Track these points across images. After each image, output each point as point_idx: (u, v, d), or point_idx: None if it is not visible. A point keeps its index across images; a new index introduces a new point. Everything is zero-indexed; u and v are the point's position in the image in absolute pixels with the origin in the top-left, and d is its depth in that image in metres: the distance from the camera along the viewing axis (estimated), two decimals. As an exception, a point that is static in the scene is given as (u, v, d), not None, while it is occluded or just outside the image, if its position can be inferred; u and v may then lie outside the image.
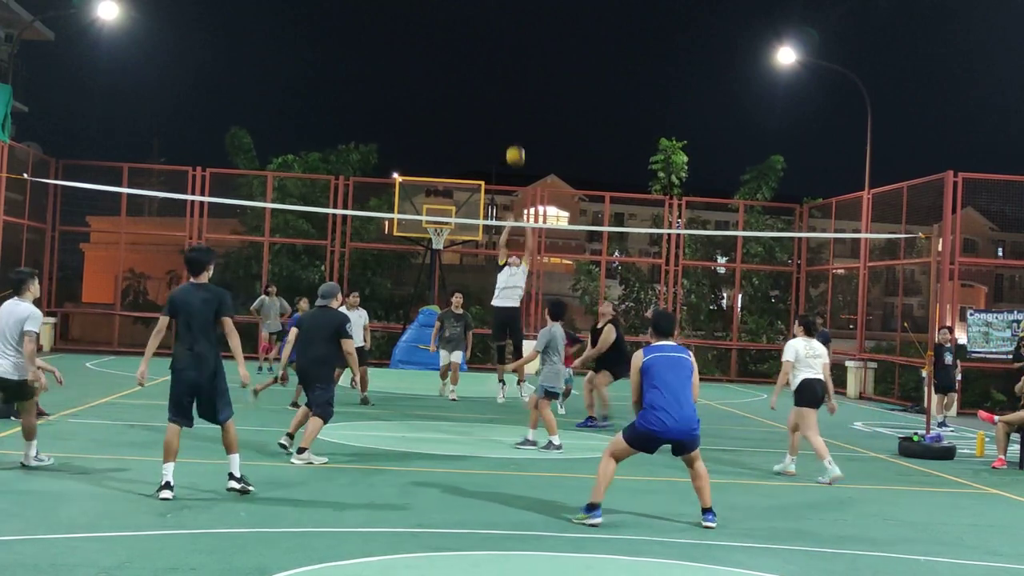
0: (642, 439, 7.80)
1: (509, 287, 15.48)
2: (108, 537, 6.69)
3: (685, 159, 29.10)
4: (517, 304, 15.86)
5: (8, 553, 6.19)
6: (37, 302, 9.28)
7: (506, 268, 15.58)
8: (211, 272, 8.27)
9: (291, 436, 10.44)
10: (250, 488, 8.14)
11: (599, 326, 14.69)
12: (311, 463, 9.77)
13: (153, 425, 12.33)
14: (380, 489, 8.80)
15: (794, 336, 10.95)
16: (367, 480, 9.22)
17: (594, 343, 14.60)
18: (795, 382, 10.62)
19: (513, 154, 10.27)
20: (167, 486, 7.79)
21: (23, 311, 8.95)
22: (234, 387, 8.19)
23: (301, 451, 9.84)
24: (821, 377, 10.61)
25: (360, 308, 16.09)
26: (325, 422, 9.99)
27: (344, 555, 6.45)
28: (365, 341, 15.97)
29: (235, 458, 8.17)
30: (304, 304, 16.30)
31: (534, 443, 11.57)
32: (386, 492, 8.69)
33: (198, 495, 8.04)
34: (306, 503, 8.02)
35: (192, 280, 8.15)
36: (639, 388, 7.83)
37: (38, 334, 9.00)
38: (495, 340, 15.46)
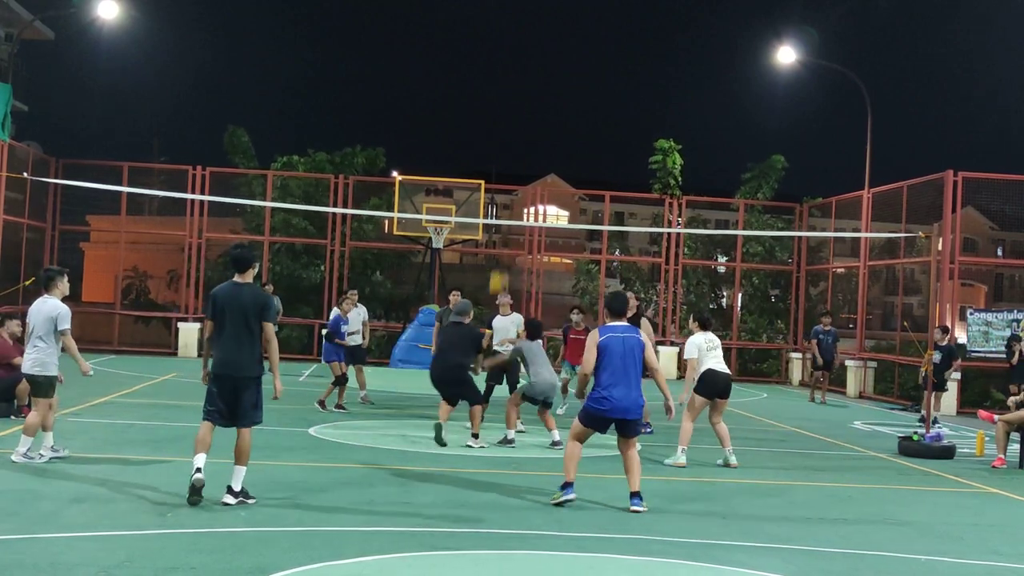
0: (594, 420, 8.44)
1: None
2: (108, 536, 6.68)
3: (680, 161, 29.12)
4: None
5: (8, 552, 6.19)
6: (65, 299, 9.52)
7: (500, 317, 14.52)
8: (256, 270, 8.14)
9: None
10: (250, 501, 7.76)
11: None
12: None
13: (153, 425, 12.34)
14: (380, 489, 8.80)
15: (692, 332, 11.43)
16: (367, 480, 9.22)
17: None
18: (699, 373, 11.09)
19: (496, 282, 10.83)
20: (198, 471, 7.58)
21: (52, 308, 9.44)
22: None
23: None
24: (723, 369, 11.15)
25: (360, 305, 16.11)
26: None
27: (344, 555, 6.44)
28: (364, 339, 16.07)
29: (241, 471, 7.76)
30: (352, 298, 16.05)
31: (512, 441, 11.83)
32: (386, 492, 8.69)
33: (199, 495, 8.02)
34: (306, 503, 8.01)
35: (237, 279, 7.91)
36: (592, 363, 8.38)
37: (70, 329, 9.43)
38: (492, 380, 14.57)
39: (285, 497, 8.15)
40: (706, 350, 11.07)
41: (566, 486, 8.39)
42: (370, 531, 7.21)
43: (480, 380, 12.61)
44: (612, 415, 8.33)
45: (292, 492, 8.36)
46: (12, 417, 11.92)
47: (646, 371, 8.64)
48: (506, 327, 13.84)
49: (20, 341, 12.81)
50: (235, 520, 7.24)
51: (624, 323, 8.61)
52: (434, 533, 7.23)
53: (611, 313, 8.66)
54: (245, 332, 7.74)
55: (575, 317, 16.54)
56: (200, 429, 7.83)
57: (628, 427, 8.42)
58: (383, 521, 7.55)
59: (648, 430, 13.41)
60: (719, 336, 12.38)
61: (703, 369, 11.02)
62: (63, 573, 5.79)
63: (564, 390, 16.46)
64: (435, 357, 12.20)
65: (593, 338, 8.45)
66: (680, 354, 26.21)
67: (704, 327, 11.26)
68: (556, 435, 11.62)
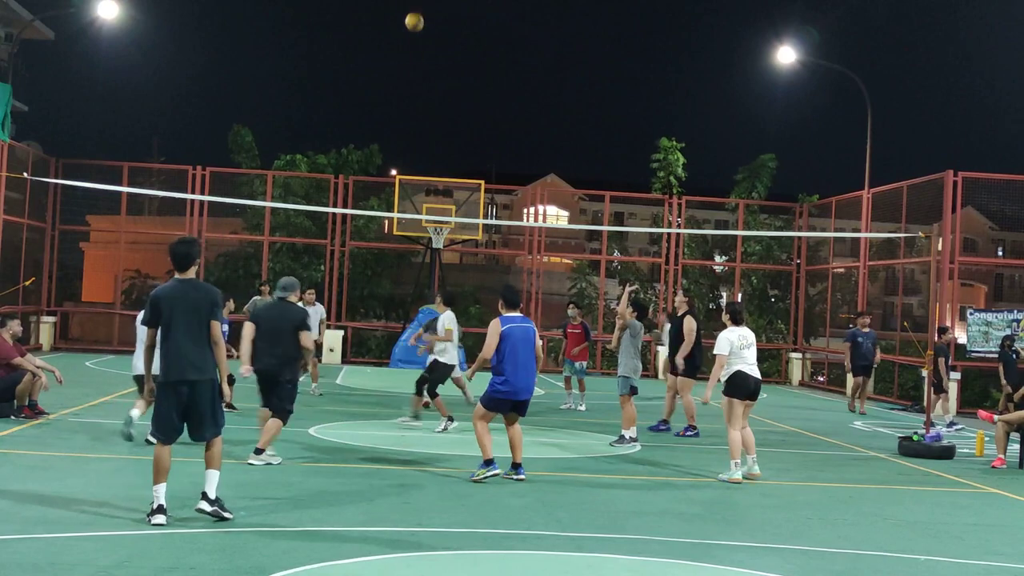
0: (496, 403, 9.33)
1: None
2: (108, 536, 6.68)
3: (683, 161, 29.16)
4: None
5: (8, 552, 6.19)
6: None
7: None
8: (198, 267, 7.52)
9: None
10: (227, 515, 7.25)
11: (679, 314, 13.96)
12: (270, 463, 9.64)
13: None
14: (380, 489, 8.80)
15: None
16: (367, 480, 9.22)
17: (676, 335, 13.86)
18: (728, 373, 10.30)
19: (412, 19, 10.03)
20: (160, 510, 7.07)
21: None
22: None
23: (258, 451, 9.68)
24: (755, 373, 10.32)
25: (317, 304, 16.37)
26: (285, 423, 9.78)
27: (344, 555, 6.44)
28: (320, 334, 16.51)
29: (214, 475, 7.31)
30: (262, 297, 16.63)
31: (634, 439, 12.20)
32: (386, 492, 8.68)
33: (198, 495, 8.01)
34: (306, 503, 8.01)
35: (178, 276, 7.33)
36: (493, 349, 9.25)
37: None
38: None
39: (285, 497, 8.14)
40: (738, 348, 10.25)
41: (488, 463, 9.30)
42: (370, 531, 7.21)
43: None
44: (515, 399, 9.31)
45: (292, 492, 8.35)
46: (12, 417, 11.91)
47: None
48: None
49: (21, 341, 12.81)
50: (235, 520, 7.24)
51: (520, 314, 9.56)
52: (434, 533, 7.23)
53: (507, 304, 9.52)
54: (199, 332, 7.13)
55: (571, 312, 16.73)
56: (159, 453, 7.16)
57: (523, 408, 9.47)
58: (383, 521, 7.55)
59: (692, 432, 13.54)
60: (718, 335, 12.41)
61: (733, 369, 10.23)
62: (63, 573, 5.79)
63: (568, 385, 16.52)
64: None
65: (496, 327, 9.30)
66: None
67: (736, 321, 10.45)
68: (628, 433, 12.28)
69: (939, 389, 17.13)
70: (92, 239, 32.18)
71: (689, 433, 13.43)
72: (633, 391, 12.32)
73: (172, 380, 7.11)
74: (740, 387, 10.21)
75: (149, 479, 8.40)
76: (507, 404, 9.31)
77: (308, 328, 9.93)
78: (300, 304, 11.26)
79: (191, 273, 7.33)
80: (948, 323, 19.34)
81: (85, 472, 8.93)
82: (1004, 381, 16.34)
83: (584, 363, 16.39)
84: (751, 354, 10.30)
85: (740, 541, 7.51)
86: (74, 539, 6.58)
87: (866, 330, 19.11)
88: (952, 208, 20.56)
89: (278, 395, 9.67)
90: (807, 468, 11.52)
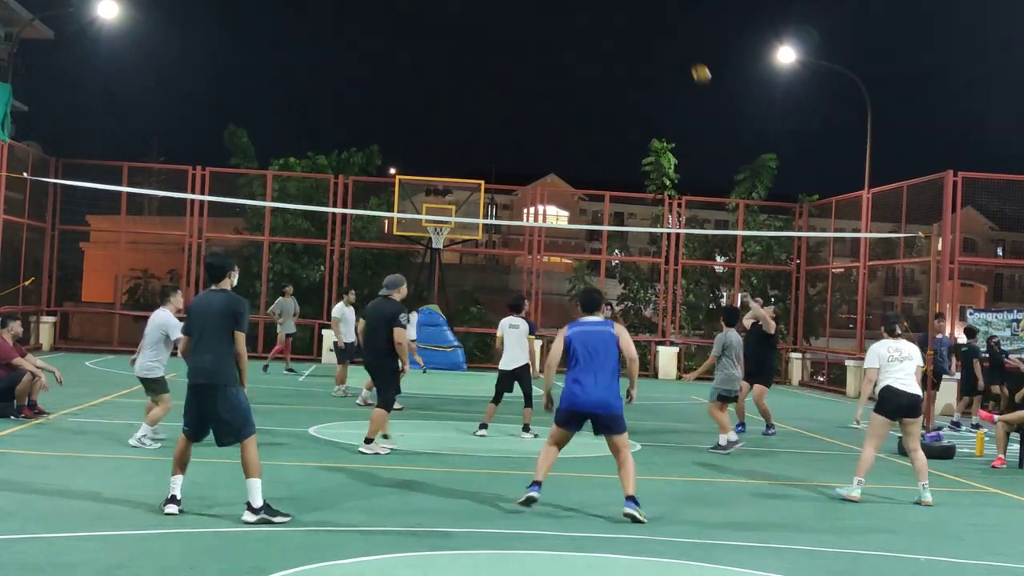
0: (564, 416, 8.14)
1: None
2: (108, 536, 6.68)
3: (674, 161, 29.15)
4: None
5: (8, 552, 6.19)
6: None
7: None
8: (233, 280, 7.72)
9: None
10: (277, 520, 7.23)
11: (757, 323, 14.28)
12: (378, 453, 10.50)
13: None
14: (380, 489, 8.80)
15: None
16: (367, 480, 9.22)
17: (755, 342, 13.99)
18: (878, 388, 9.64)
19: (700, 72, 9.86)
20: (172, 499, 7.35)
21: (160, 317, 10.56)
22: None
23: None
24: (907, 388, 9.50)
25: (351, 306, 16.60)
26: (387, 412, 10.74)
27: (344, 555, 6.44)
28: (358, 335, 16.21)
29: (254, 484, 7.27)
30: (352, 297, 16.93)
31: (736, 441, 12.23)
32: (386, 492, 8.69)
33: (198, 494, 8.02)
34: (306, 503, 8.00)
35: (213, 287, 7.64)
36: (559, 356, 8.26)
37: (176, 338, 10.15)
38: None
39: (285, 497, 8.14)
40: (887, 360, 9.51)
41: (533, 484, 8.20)
42: (370, 531, 7.21)
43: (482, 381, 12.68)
44: (583, 409, 8.08)
45: (292, 492, 8.35)
46: (12, 417, 11.91)
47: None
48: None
49: (21, 341, 12.81)
50: (235, 520, 7.24)
51: (598, 317, 8.49)
52: (434, 533, 7.23)
53: (582, 309, 8.60)
54: (217, 340, 7.37)
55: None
56: (179, 445, 7.50)
57: (603, 423, 8.13)
58: (383, 521, 7.54)
59: (771, 431, 14.18)
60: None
61: (882, 385, 9.52)
62: (63, 573, 5.79)
63: None
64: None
65: (561, 333, 8.45)
66: (680, 355, 26.36)
67: (891, 333, 9.67)
68: (723, 439, 12.19)
69: (974, 391, 17.14)
70: (92, 239, 32.20)
71: (770, 431, 14.23)
72: (724, 399, 12.27)
73: (190, 383, 7.51)
74: (890, 404, 9.51)
75: (148, 479, 8.43)
76: (572, 415, 8.14)
77: (400, 324, 10.47)
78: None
79: (224, 285, 7.65)
80: (948, 322, 19.31)
81: (85, 472, 8.92)
82: (993, 380, 16.49)
83: None
84: (906, 368, 9.52)
85: (740, 541, 7.51)
86: (74, 539, 6.58)
87: (939, 335, 17.29)
88: (952, 208, 20.57)
89: (377, 386, 10.83)
90: (807, 468, 11.52)
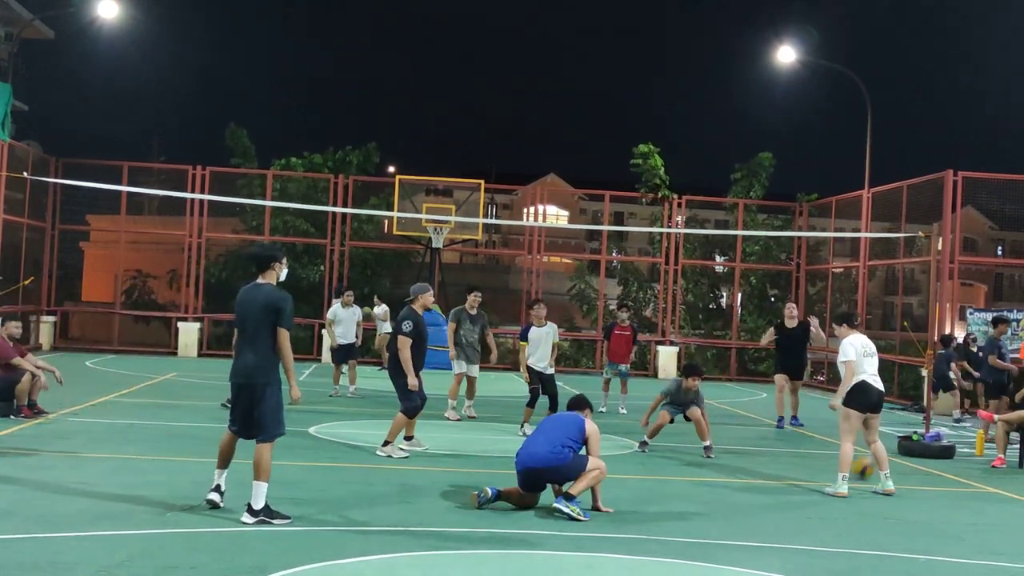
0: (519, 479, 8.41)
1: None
2: (108, 536, 6.69)
3: (662, 162, 29.12)
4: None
5: (8, 552, 6.19)
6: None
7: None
8: (280, 272, 7.53)
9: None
10: (277, 522, 7.21)
11: (805, 324, 15.89)
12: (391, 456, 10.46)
13: (153, 424, 12.34)
14: (380, 489, 8.80)
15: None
16: (367, 480, 9.22)
17: (796, 341, 15.71)
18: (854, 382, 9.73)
19: (858, 466, 10.10)
20: (216, 488, 7.48)
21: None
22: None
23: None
24: (878, 384, 9.74)
25: (354, 305, 16.96)
26: (411, 418, 10.73)
27: (344, 554, 6.45)
28: (357, 337, 16.95)
29: (259, 487, 7.23)
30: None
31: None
32: (386, 492, 8.69)
33: (198, 494, 8.02)
34: (306, 503, 8.01)
35: (258, 280, 7.48)
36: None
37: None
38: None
39: (285, 497, 8.13)
40: (862, 355, 9.65)
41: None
42: (370, 531, 7.21)
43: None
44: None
45: (292, 492, 8.34)
46: (11, 417, 11.92)
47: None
48: (541, 338, 13.43)
49: (19, 341, 12.82)
50: (235, 520, 7.23)
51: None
52: (434, 533, 7.23)
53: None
54: (254, 336, 7.27)
55: (623, 315, 16.75)
56: (222, 438, 7.58)
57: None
58: (383, 521, 7.54)
59: (797, 423, 15.35)
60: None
61: (857, 379, 9.62)
62: (63, 573, 5.79)
63: (606, 387, 16.43)
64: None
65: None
66: (680, 355, 26.34)
67: (852, 326, 9.83)
68: None
69: (948, 389, 17.37)
70: (92, 239, 32.20)
71: (795, 423, 15.35)
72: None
73: (231, 381, 7.50)
74: (863, 398, 9.68)
75: (147, 479, 8.44)
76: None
77: (402, 332, 10.57)
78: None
79: (268, 277, 7.47)
80: (947, 323, 19.31)
81: (85, 472, 8.92)
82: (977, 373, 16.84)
83: (627, 365, 16.43)
84: (875, 362, 9.78)
85: (740, 541, 7.51)
86: (74, 539, 6.58)
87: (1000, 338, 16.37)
88: (952, 208, 20.56)
89: (397, 394, 10.70)
90: (806, 468, 11.52)
